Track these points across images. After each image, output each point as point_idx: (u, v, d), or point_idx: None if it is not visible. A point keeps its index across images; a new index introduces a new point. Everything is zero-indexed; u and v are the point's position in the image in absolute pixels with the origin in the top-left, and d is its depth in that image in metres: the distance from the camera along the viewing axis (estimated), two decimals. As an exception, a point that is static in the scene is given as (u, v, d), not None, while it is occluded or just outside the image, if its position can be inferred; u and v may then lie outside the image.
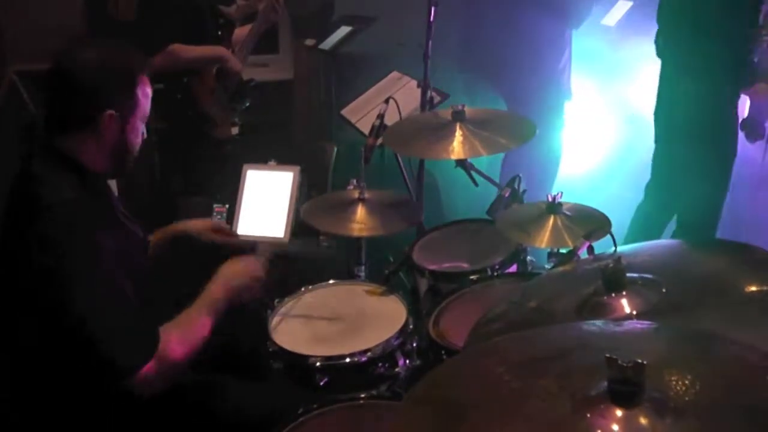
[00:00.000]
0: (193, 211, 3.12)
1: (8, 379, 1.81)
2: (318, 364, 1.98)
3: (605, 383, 0.96)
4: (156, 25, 3.15)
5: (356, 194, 2.38)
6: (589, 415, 0.95)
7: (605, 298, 1.38)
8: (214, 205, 3.02)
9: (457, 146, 2.23)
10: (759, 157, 3.75)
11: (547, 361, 1.10)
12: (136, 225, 1.98)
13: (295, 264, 2.86)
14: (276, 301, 2.24)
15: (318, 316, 2.20)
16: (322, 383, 1.95)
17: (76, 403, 1.76)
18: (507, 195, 2.36)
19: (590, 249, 1.85)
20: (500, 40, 3.62)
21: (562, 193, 2.10)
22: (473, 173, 2.48)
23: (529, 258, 2.40)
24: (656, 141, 3.32)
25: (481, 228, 2.52)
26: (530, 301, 1.57)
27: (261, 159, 2.99)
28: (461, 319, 2.01)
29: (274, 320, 2.19)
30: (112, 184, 2.31)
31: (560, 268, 1.78)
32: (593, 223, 2.02)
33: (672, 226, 3.41)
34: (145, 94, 1.84)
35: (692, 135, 3.07)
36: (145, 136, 1.90)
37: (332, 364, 1.98)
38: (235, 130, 3.43)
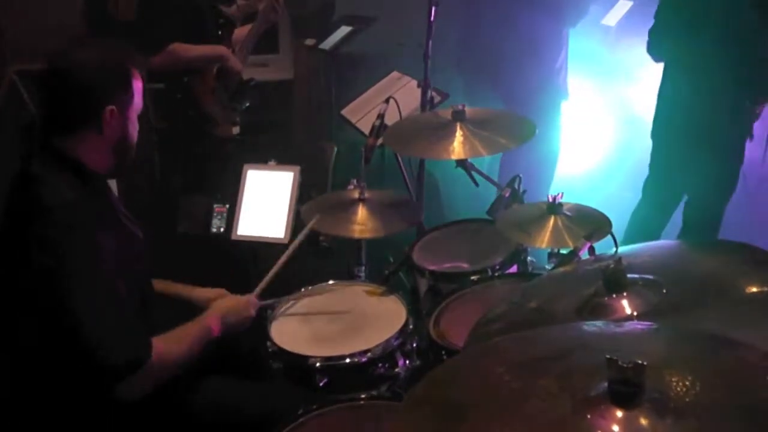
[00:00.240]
0: (193, 211, 3.12)
1: (7, 378, 1.81)
2: (318, 364, 1.98)
3: (605, 384, 0.96)
4: (156, 24, 3.15)
5: (356, 194, 2.38)
6: (589, 416, 0.95)
7: (606, 298, 1.38)
8: (214, 205, 3.02)
9: (458, 146, 2.23)
10: (759, 157, 3.75)
11: (547, 361, 1.10)
12: (136, 226, 1.98)
13: (295, 264, 2.86)
14: (276, 301, 2.24)
15: (318, 316, 2.20)
16: (322, 383, 1.95)
17: (74, 403, 1.76)
18: (507, 195, 2.36)
19: (591, 250, 1.85)
20: (499, 39, 3.62)
21: (562, 193, 2.10)
22: (473, 173, 2.48)
23: (529, 258, 2.40)
24: (653, 137, 3.31)
25: (481, 228, 2.52)
26: (530, 301, 1.57)
27: (261, 159, 2.99)
28: (461, 320, 2.01)
29: (274, 320, 2.18)
30: (113, 184, 2.31)
31: (561, 269, 1.78)
32: (594, 223, 2.02)
33: (669, 227, 3.41)
34: (138, 87, 1.86)
35: (693, 135, 3.07)
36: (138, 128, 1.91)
37: (332, 365, 1.97)
38: (235, 130, 3.43)
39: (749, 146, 3.37)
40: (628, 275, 1.39)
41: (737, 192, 3.34)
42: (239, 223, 2.82)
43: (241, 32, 3.46)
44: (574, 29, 3.77)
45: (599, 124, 4.35)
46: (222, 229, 2.96)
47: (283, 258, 2.26)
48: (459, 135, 2.25)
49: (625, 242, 2.96)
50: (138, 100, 1.86)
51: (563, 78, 3.80)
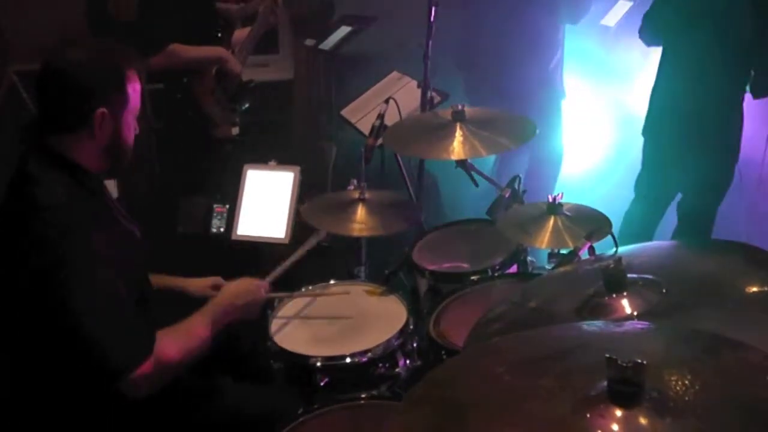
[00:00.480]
0: (193, 211, 3.13)
1: (6, 379, 1.81)
2: (318, 364, 1.98)
3: (605, 383, 0.96)
4: (156, 25, 3.15)
5: (356, 194, 2.38)
6: (589, 415, 0.95)
7: (606, 298, 1.38)
8: (214, 205, 3.02)
9: (457, 146, 2.23)
10: (759, 157, 3.75)
11: (547, 361, 1.10)
12: (134, 225, 1.98)
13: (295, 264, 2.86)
14: (276, 301, 2.24)
15: (318, 317, 2.20)
16: (322, 383, 1.95)
17: (75, 403, 1.76)
18: (507, 195, 2.36)
19: (591, 250, 1.86)
20: (499, 37, 3.62)
21: (562, 193, 2.11)
22: (473, 173, 2.48)
23: (529, 258, 2.40)
24: (645, 133, 3.31)
25: (481, 228, 2.52)
26: (530, 301, 1.57)
27: (261, 159, 2.99)
28: (461, 320, 2.01)
29: (275, 320, 2.19)
30: (112, 184, 2.31)
31: (561, 269, 1.78)
32: (594, 223, 2.02)
33: (665, 225, 3.41)
34: (135, 89, 1.83)
35: (687, 131, 3.07)
36: (137, 131, 1.88)
37: (332, 365, 1.98)
38: (235, 130, 3.43)
39: (749, 147, 3.37)
40: (628, 275, 1.39)
41: (737, 192, 3.34)
42: (239, 223, 2.82)
43: (240, 34, 3.46)
44: (573, 29, 3.77)
45: (597, 124, 4.34)
46: (222, 229, 2.96)
47: (297, 255, 2.30)
48: (459, 135, 2.25)
49: (619, 240, 2.97)
50: (134, 102, 1.83)
51: (560, 76, 3.80)
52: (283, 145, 4.32)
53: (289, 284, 2.34)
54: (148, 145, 3.49)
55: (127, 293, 1.75)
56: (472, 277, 2.27)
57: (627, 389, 0.94)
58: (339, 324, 2.16)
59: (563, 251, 2.11)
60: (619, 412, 0.94)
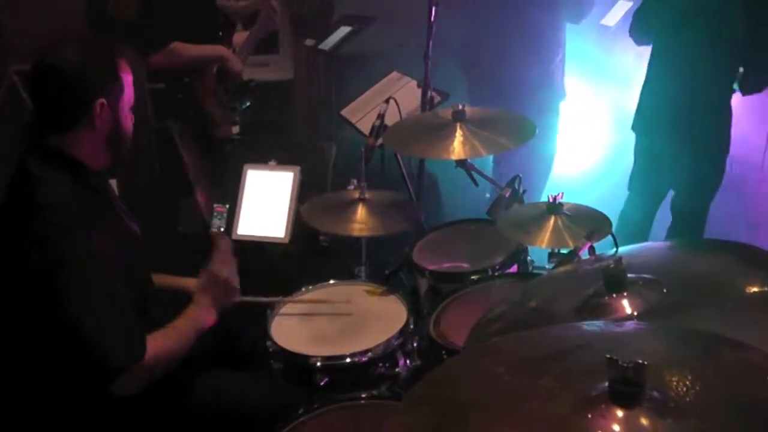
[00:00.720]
0: (193, 211, 3.13)
1: (5, 376, 1.81)
2: (318, 364, 1.98)
3: (606, 383, 0.96)
4: (156, 24, 3.15)
5: (356, 194, 2.38)
6: (589, 415, 0.95)
7: (606, 298, 1.38)
8: (214, 205, 3.02)
9: (458, 146, 2.23)
10: (759, 157, 3.75)
11: (547, 361, 1.10)
12: (135, 223, 1.98)
13: (295, 264, 2.86)
14: (278, 299, 2.24)
15: (318, 316, 2.20)
16: (322, 383, 1.95)
17: (73, 400, 1.77)
18: (507, 195, 2.36)
19: (591, 249, 1.86)
20: (500, 37, 3.62)
21: (563, 193, 2.11)
22: (473, 173, 2.48)
23: (529, 258, 2.40)
24: (635, 129, 3.32)
25: (481, 228, 2.52)
26: (530, 301, 1.57)
27: (261, 159, 2.99)
28: (462, 319, 2.01)
29: (275, 320, 2.19)
30: (112, 184, 2.31)
31: (561, 269, 1.78)
32: (594, 223, 2.02)
33: (658, 225, 3.42)
34: (128, 78, 1.85)
35: (677, 127, 3.08)
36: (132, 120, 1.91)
37: (332, 364, 1.98)
38: (235, 130, 3.43)
39: (749, 147, 3.37)
40: (628, 275, 1.39)
41: (737, 192, 3.34)
42: (239, 223, 2.82)
43: (240, 37, 3.46)
44: (573, 30, 3.76)
45: (596, 124, 4.34)
46: (222, 229, 2.96)
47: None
48: (459, 135, 2.25)
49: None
50: (129, 93, 1.86)
51: (561, 76, 3.80)
52: (283, 145, 4.31)
53: (288, 284, 2.34)
54: (148, 145, 3.49)
55: (125, 293, 1.75)
56: (472, 277, 2.27)
57: (628, 389, 0.94)
58: (339, 324, 2.16)
59: (563, 251, 2.11)
60: (619, 413, 0.94)
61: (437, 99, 3.03)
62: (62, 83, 1.75)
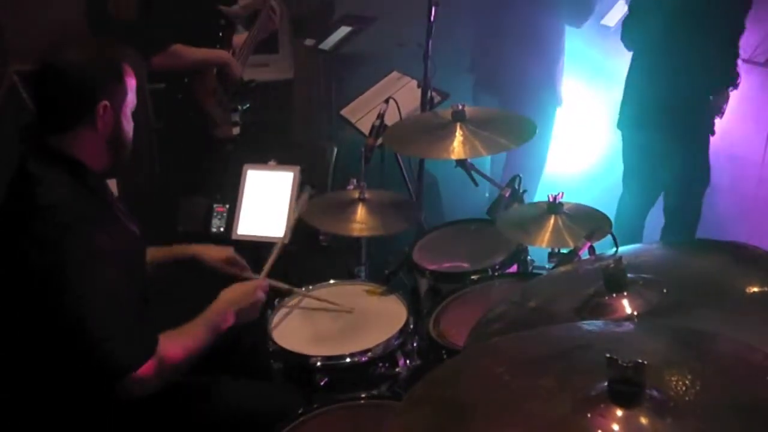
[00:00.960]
0: (193, 211, 3.12)
1: (6, 378, 1.81)
2: (318, 364, 1.98)
3: (605, 383, 0.96)
4: (156, 24, 3.15)
5: (356, 194, 2.38)
6: (589, 415, 0.95)
7: (606, 298, 1.38)
8: (214, 205, 3.02)
9: (458, 146, 2.23)
10: (759, 157, 3.75)
11: (547, 361, 1.10)
12: (134, 224, 1.98)
13: (295, 264, 2.86)
14: (276, 301, 2.24)
15: (318, 316, 2.20)
16: (322, 383, 1.95)
17: (75, 402, 1.76)
18: (507, 195, 2.36)
19: (591, 249, 1.86)
20: (501, 38, 3.62)
21: (563, 193, 2.11)
22: (473, 173, 2.48)
23: (529, 258, 2.40)
24: (620, 127, 3.32)
25: (481, 228, 2.52)
26: (530, 301, 1.57)
27: (261, 159, 2.99)
28: (462, 319, 2.01)
29: (274, 320, 2.19)
30: (112, 184, 2.31)
31: (561, 269, 1.78)
32: (594, 223, 2.02)
33: (653, 226, 3.43)
34: (131, 82, 1.86)
35: (663, 125, 3.09)
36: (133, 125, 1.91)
37: (332, 364, 1.98)
38: (235, 130, 3.43)
39: (749, 147, 3.37)
40: (628, 275, 1.39)
41: (737, 192, 3.34)
42: (239, 223, 2.82)
43: (240, 38, 3.46)
44: (572, 30, 3.76)
45: (594, 124, 4.34)
46: (222, 229, 2.96)
47: (282, 239, 2.29)
48: (459, 135, 2.25)
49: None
50: (131, 96, 1.86)
51: (560, 83, 3.79)
52: (283, 145, 4.31)
53: (289, 284, 2.34)
54: (148, 145, 3.49)
55: (129, 292, 1.75)
56: (472, 277, 2.27)
57: (627, 389, 0.94)
58: (339, 323, 2.16)
59: (563, 251, 2.11)
60: (619, 412, 0.94)
61: (437, 99, 3.03)
62: (67, 83, 1.75)
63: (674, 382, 0.98)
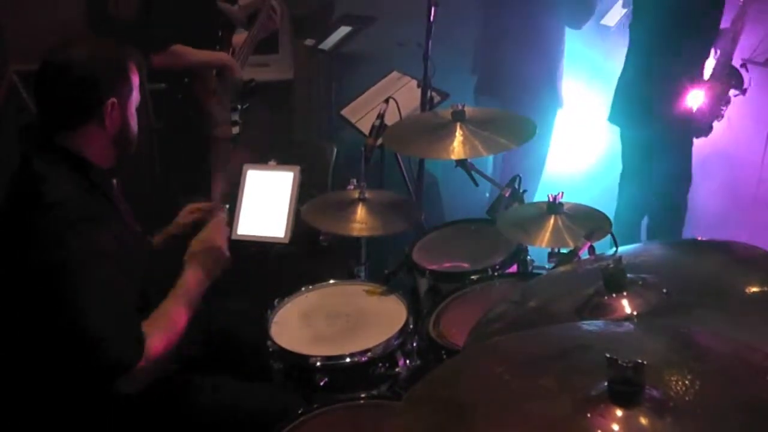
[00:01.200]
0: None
1: (6, 374, 1.81)
2: (318, 364, 1.98)
3: (605, 383, 0.96)
4: (156, 24, 3.15)
5: (356, 194, 2.38)
6: (589, 415, 0.95)
7: (606, 298, 1.38)
8: (214, 205, 3.02)
9: (457, 146, 2.23)
10: (759, 157, 3.75)
11: (547, 360, 1.10)
12: (137, 222, 1.99)
13: (295, 264, 2.86)
14: (276, 301, 2.24)
15: (318, 316, 2.20)
16: (322, 383, 1.95)
17: (75, 399, 1.77)
18: (507, 195, 2.36)
19: (591, 249, 1.86)
20: (501, 39, 3.62)
21: (563, 193, 2.10)
22: (473, 173, 2.48)
23: (529, 258, 2.40)
24: (611, 120, 3.34)
25: (481, 228, 2.52)
26: (530, 301, 1.57)
27: (261, 159, 2.99)
28: (461, 319, 2.01)
29: (275, 320, 2.19)
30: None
31: (560, 268, 1.78)
32: (594, 223, 2.02)
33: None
34: (136, 80, 1.89)
35: (647, 118, 3.10)
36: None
37: (332, 364, 1.97)
38: (235, 130, 3.43)
39: (748, 147, 3.37)
40: (628, 275, 1.39)
41: (738, 192, 3.34)
42: (239, 223, 2.81)
43: (240, 37, 3.47)
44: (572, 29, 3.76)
45: (593, 124, 4.34)
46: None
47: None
48: (459, 135, 2.25)
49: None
50: (137, 94, 1.89)
51: (560, 85, 3.78)
52: (283, 145, 4.32)
53: (287, 284, 2.34)
54: (148, 145, 3.49)
55: (128, 291, 1.75)
56: (472, 277, 2.27)
57: (627, 389, 0.94)
58: (339, 324, 2.16)
59: (563, 251, 2.11)
60: (619, 412, 0.94)
61: (437, 99, 3.03)
62: (76, 81, 1.77)
63: (674, 382, 0.98)
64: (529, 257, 2.39)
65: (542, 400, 1.01)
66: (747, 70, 3.26)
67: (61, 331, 1.67)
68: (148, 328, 1.75)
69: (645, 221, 3.45)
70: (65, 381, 1.75)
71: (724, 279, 1.40)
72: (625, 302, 1.37)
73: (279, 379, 2.05)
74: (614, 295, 1.38)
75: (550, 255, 2.20)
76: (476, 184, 2.53)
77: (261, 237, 2.79)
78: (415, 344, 2.10)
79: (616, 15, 4.10)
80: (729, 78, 3.18)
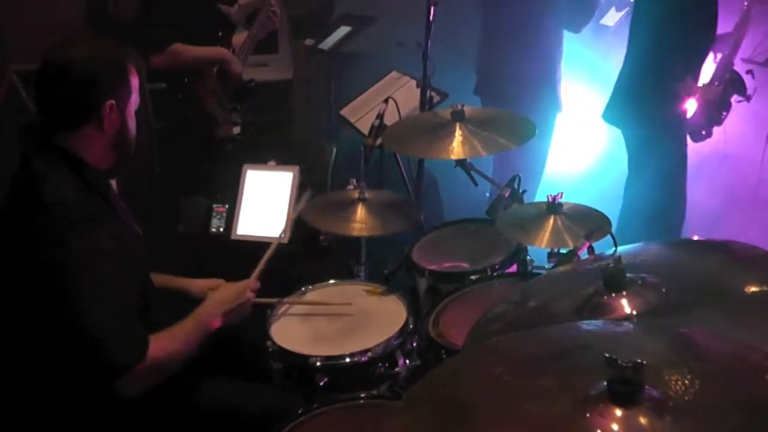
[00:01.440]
0: (192, 211, 3.13)
1: (6, 375, 1.81)
2: (318, 364, 1.98)
3: (605, 383, 0.96)
4: (156, 24, 3.15)
5: (356, 194, 2.38)
6: (588, 415, 0.95)
7: (605, 298, 1.38)
8: (214, 205, 3.02)
9: (457, 146, 2.23)
10: (759, 157, 3.75)
11: (547, 360, 1.10)
12: (136, 223, 1.99)
13: (295, 264, 2.86)
14: (276, 301, 2.24)
15: (318, 316, 2.20)
16: (322, 383, 1.95)
17: (74, 401, 1.77)
18: (507, 195, 2.36)
19: (590, 249, 1.86)
20: (499, 43, 3.62)
21: (562, 193, 2.11)
22: (473, 173, 2.48)
23: (529, 258, 2.40)
24: (604, 117, 3.36)
25: (481, 228, 2.52)
26: (530, 301, 1.57)
27: (261, 159, 2.99)
28: (461, 319, 2.01)
29: (275, 320, 2.18)
30: (112, 184, 2.31)
31: (560, 268, 1.78)
32: (593, 223, 2.02)
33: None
34: (135, 82, 1.88)
35: (640, 110, 3.11)
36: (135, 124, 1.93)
37: (332, 364, 1.97)
38: (235, 130, 3.43)
39: (749, 147, 3.37)
40: (627, 275, 1.39)
41: (738, 192, 3.34)
42: (239, 223, 2.82)
43: (239, 37, 3.47)
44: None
45: (592, 124, 4.34)
46: (222, 229, 2.96)
47: (275, 244, 2.28)
48: (458, 135, 2.25)
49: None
50: (136, 96, 1.88)
51: (559, 87, 3.78)
52: (283, 145, 4.32)
53: (287, 284, 2.34)
54: (148, 145, 3.49)
55: (128, 292, 1.75)
56: (472, 277, 2.27)
57: (627, 389, 0.94)
58: (339, 324, 2.16)
59: (563, 251, 2.11)
60: (618, 412, 0.94)
61: (436, 99, 3.03)
62: (74, 81, 1.76)
63: (673, 382, 0.98)
64: (528, 257, 2.39)
65: (542, 400, 1.01)
66: (753, 77, 3.26)
67: (61, 331, 1.67)
68: (157, 339, 1.76)
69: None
70: (66, 381, 1.75)
71: (724, 279, 1.40)
72: (624, 302, 1.37)
73: (279, 379, 2.06)
74: (614, 294, 1.38)
75: (550, 255, 2.20)
76: (476, 184, 2.53)
77: (260, 237, 2.79)
78: (414, 344, 2.10)
79: (615, 15, 4.11)
80: (730, 83, 3.17)
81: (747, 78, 3.24)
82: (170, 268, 2.23)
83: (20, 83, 4.05)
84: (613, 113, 3.32)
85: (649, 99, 3.07)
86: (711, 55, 3.17)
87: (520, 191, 2.39)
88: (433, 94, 2.99)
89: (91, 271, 1.68)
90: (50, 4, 4.02)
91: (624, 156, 3.46)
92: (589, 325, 1.25)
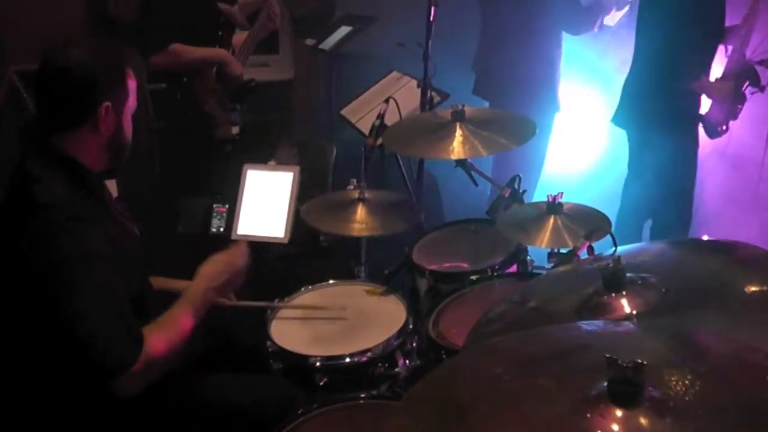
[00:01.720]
0: (192, 211, 3.13)
1: (3, 375, 1.81)
2: (318, 364, 1.98)
3: (605, 383, 0.96)
4: (156, 25, 3.15)
5: (356, 194, 2.38)
6: (588, 415, 0.95)
7: (605, 298, 1.38)
8: (214, 205, 3.02)
9: (457, 146, 2.23)
10: (759, 157, 3.75)
11: (547, 361, 1.10)
12: (133, 224, 1.98)
13: (295, 264, 2.86)
14: (276, 301, 2.24)
15: (318, 316, 2.20)
16: (322, 383, 1.95)
17: (73, 399, 1.76)
18: (507, 195, 2.36)
19: (590, 249, 1.85)
20: (498, 44, 3.62)
21: (562, 193, 2.11)
22: (473, 173, 2.48)
23: (529, 258, 2.40)
24: (614, 121, 3.35)
25: (481, 228, 2.52)
26: (530, 301, 1.57)
27: (261, 159, 2.99)
28: (461, 319, 2.01)
29: (274, 320, 2.18)
30: (112, 184, 2.31)
31: (560, 268, 1.78)
32: (593, 223, 2.02)
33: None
34: (132, 85, 1.87)
35: (653, 113, 3.10)
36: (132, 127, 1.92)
37: (332, 364, 1.98)
38: (235, 130, 3.43)
39: (749, 147, 3.37)
40: (627, 275, 1.39)
41: (738, 192, 3.34)
42: (239, 223, 2.82)
43: (239, 37, 3.47)
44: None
45: (592, 124, 4.34)
46: (222, 229, 2.97)
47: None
48: (459, 135, 2.25)
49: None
50: (132, 99, 1.87)
51: (558, 88, 3.78)
52: (283, 145, 4.32)
53: (287, 284, 2.34)
54: (148, 145, 3.49)
55: (123, 292, 1.75)
56: (472, 277, 2.27)
57: (627, 389, 0.94)
58: (338, 324, 2.16)
59: (563, 251, 2.11)
60: (619, 412, 0.94)
61: (437, 99, 3.03)
62: (71, 82, 1.76)
63: (674, 382, 0.98)
64: (528, 257, 2.39)
65: (542, 400, 1.01)
66: (767, 68, 3.24)
67: (57, 332, 1.67)
68: (150, 332, 1.75)
69: (648, 224, 3.44)
70: (64, 380, 1.75)
71: (724, 279, 1.40)
72: (624, 302, 1.37)
73: (279, 378, 2.05)
74: (614, 294, 1.38)
75: (550, 255, 2.20)
76: (476, 184, 2.53)
77: (261, 237, 2.79)
78: (414, 344, 2.10)
79: (616, 14, 4.10)
80: (743, 75, 3.15)
81: (760, 69, 3.22)
82: (170, 269, 2.23)
83: (20, 83, 4.05)
84: (623, 117, 3.31)
85: (661, 101, 3.06)
86: (722, 49, 3.16)
87: (521, 191, 2.38)
88: (433, 94, 2.99)
89: (86, 272, 1.68)
90: (50, 5, 4.02)
91: (624, 156, 3.46)
92: (589, 325, 1.25)
